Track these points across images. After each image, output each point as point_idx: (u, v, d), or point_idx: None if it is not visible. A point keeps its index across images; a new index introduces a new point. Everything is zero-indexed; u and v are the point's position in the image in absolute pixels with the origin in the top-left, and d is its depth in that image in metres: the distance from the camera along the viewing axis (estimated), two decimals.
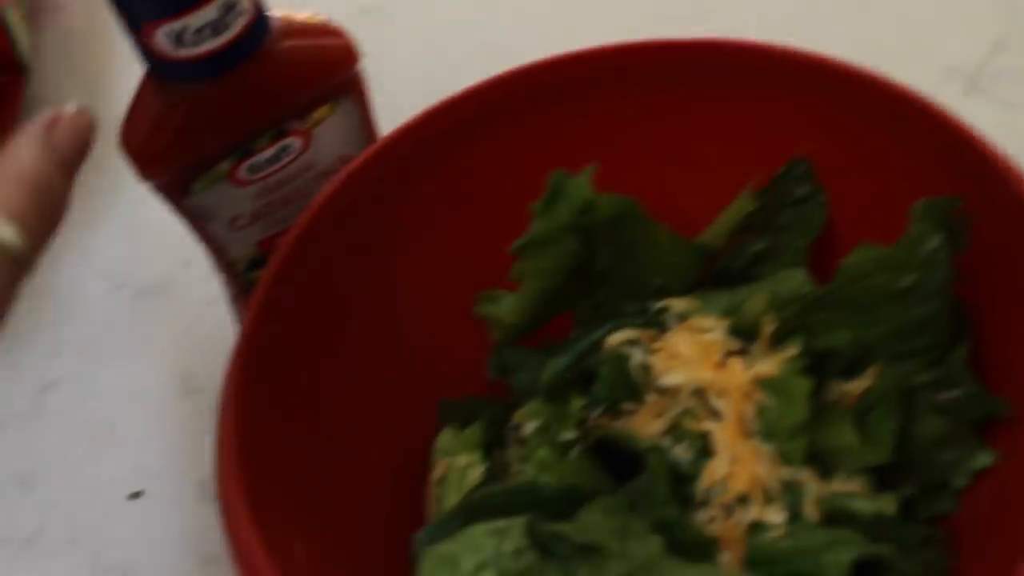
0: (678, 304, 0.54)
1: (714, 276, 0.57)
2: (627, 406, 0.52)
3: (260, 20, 0.48)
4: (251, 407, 0.46)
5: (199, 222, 0.53)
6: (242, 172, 0.52)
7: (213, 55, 0.47)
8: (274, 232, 0.55)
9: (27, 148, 0.42)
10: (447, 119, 0.54)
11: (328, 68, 0.52)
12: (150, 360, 0.66)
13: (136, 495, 0.60)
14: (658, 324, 0.53)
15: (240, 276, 0.57)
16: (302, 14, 0.51)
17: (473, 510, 0.49)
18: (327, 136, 0.53)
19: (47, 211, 0.42)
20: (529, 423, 0.53)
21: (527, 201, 0.55)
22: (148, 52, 0.47)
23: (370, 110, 0.55)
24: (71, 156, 0.44)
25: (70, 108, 0.44)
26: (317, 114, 0.52)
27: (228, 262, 0.56)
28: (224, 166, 0.51)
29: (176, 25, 0.46)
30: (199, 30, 0.47)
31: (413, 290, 0.56)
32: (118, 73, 0.64)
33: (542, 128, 0.56)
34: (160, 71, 0.48)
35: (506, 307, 0.57)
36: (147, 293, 0.68)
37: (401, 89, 0.60)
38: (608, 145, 0.56)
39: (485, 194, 0.56)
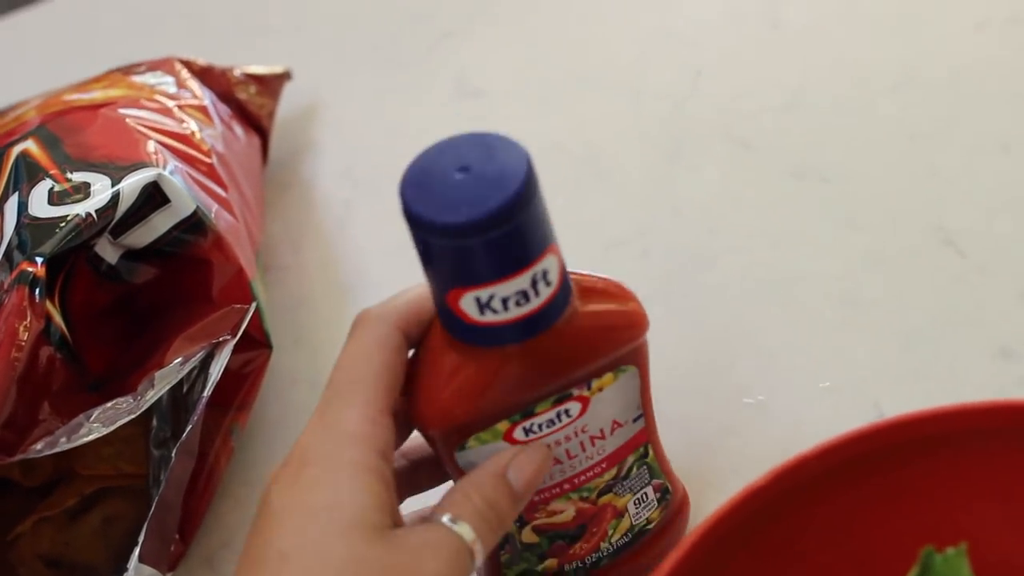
0: None
1: None
2: None
3: (564, 287, 0.49)
4: None
5: (462, 474, 0.51)
6: (518, 432, 0.50)
7: (517, 323, 0.48)
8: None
9: (489, 478, 0.50)
10: (801, 474, 0.49)
11: (623, 336, 0.51)
12: None
13: None
14: None
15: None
16: (596, 277, 0.51)
17: None
18: (605, 403, 0.51)
19: (490, 530, 0.49)
20: None
21: (866, 562, 0.49)
22: (448, 312, 0.48)
23: (648, 377, 0.53)
24: (522, 491, 0.51)
25: (535, 450, 0.51)
26: (601, 381, 0.51)
27: None
28: (502, 425, 0.50)
29: (484, 293, 0.47)
30: (506, 299, 0.47)
31: None
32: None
33: (900, 485, 0.51)
34: (457, 332, 0.49)
35: None
36: None
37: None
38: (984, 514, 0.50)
39: (827, 552, 0.50)
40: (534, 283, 0.46)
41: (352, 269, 0.75)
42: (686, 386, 0.65)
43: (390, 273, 0.74)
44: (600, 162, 0.77)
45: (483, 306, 0.46)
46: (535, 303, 0.47)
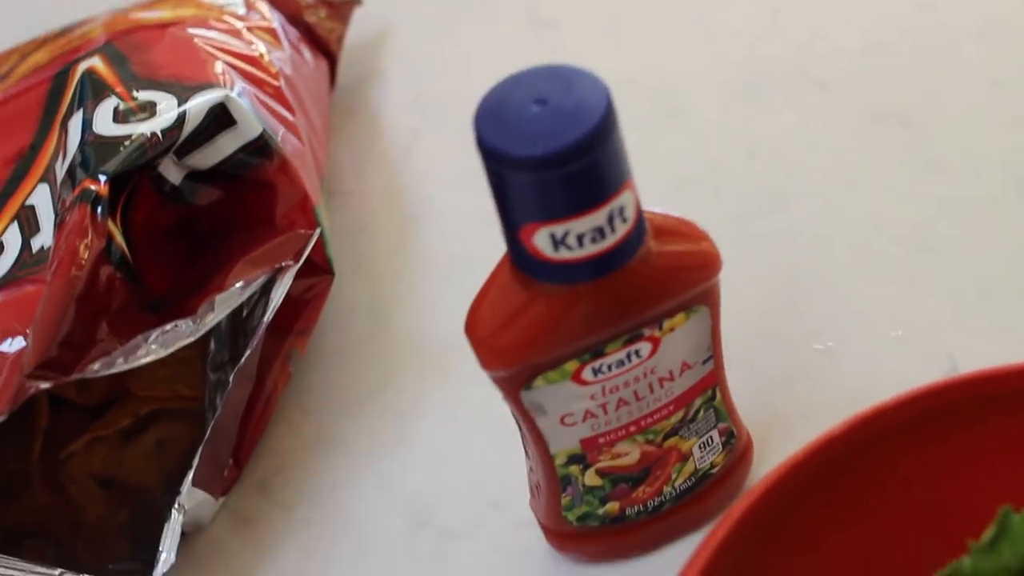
0: None
1: None
2: None
3: (640, 224, 0.47)
4: None
5: (527, 415, 0.50)
6: (587, 373, 0.49)
7: (591, 260, 0.46)
8: (601, 432, 0.51)
9: None
10: (879, 424, 0.48)
11: (696, 276, 0.50)
12: None
13: None
14: None
15: (554, 469, 0.53)
16: (669, 215, 0.50)
17: None
18: (675, 343, 0.50)
19: None
20: None
21: (940, 520, 0.48)
22: (520, 248, 0.47)
23: (719, 318, 0.52)
24: None
25: None
26: (672, 321, 0.49)
27: (547, 455, 0.52)
28: (571, 365, 0.49)
29: (559, 229, 0.45)
30: (582, 235, 0.46)
31: None
32: (409, 271, 0.65)
33: (979, 442, 0.49)
34: (528, 268, 0.48)
35: None
36: (452, 535, 0.60)
37: None
38: None
39: (899, 507, 0.49)
40: (610, 219, 0.45)
41: (416, 198, 0.74)
42: (754, 329, 0.63)
43: (455, 204, 0.73)
44: (673, 99, 0.75)
45: (557, 242, 0.45)
46: (610, 240, 0.45)
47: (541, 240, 0.45)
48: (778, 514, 0.46)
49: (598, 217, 0.45)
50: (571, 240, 0.45)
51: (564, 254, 0.45)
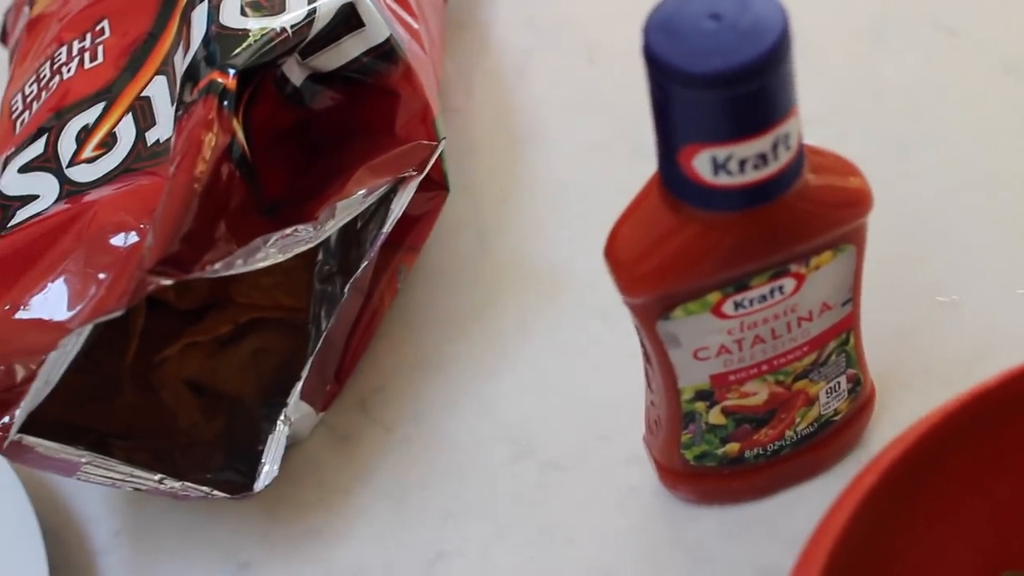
0: None
1: None
2: None
3: (800, 154, 0.45)
4: None
5: (660, 346, 0.49)
6: (727, 306, 0.47)
7: (750, 188, 0.44)
8: (733, 368, 0.50)
9: None
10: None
11: (848, 213, 0.48)
12: (559, 546, 0.57)
13: None
14: None
15: (679, 404, 0.51)
16: (825, 149, 0.48)
17: None
18: (819, 282, 0.48)
19: None
20: None
21: None
22: (676, 170, 0.45)
23: (863, 260, 0.50)
24: None
25: None
26: (819, 258, 0.48)
27: (673, 389, 0.50)
28: (713, 297, 0.47)
29: (722, 152, 0.43)
30: (744, 160, 0.44)
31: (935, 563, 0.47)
32: (517, 193, 0.63)
33: None
34: (682, 192, 0.46)
35: None
36: (556, 466, 0.59)
37: None
38: None
39: None
40: (775, 146, 0.43)
41: (527, 120, 0.72)
42: (877, 278, 0.60)
43: (566, 129, 0.71)
44: (800, 37, 0.72)
45: (718, 166, 0.43)
46: (772, 168, 0.43)
47: (701, 163, 0.43)
48: (924, 466, 0.44)
49: (764, 142, 0.43)
50: (732, 165, 0.43)
51: (723, 179, 0.43)
